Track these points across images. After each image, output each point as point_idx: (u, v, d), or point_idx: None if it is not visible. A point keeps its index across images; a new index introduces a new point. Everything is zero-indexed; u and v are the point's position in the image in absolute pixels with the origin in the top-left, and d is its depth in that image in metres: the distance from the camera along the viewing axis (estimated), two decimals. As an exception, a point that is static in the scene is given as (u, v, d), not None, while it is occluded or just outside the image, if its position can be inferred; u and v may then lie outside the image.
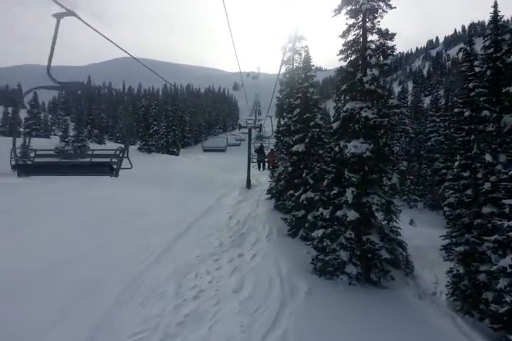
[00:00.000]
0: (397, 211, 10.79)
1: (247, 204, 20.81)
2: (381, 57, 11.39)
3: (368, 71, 11.31)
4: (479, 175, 8.58)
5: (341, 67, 11.95)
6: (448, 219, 18.43)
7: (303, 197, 14.57)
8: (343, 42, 11.75)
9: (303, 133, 15.24)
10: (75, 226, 12.99)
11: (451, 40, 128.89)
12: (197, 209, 17.92)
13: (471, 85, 9.12)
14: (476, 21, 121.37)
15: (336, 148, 11.28)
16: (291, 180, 16.56)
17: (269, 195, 20.59)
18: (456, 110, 9.77)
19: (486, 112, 8.66)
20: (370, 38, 11.50)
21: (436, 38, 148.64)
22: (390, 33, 11.23)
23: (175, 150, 47.56)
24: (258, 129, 28.67)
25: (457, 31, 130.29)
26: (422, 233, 16.62)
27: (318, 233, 10.83)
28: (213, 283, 8.63)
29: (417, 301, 9.22)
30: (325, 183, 11.15)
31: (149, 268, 9.28)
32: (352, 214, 10.23)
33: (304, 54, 20.09)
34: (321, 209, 11.05)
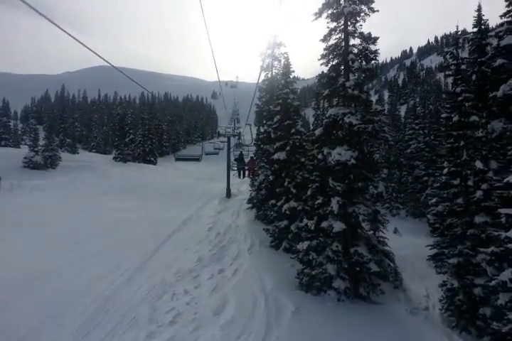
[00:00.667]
0: (384, 221, 10.33)
1: (227, 214, 20.09)
2: (364, 62, 11.04)
3: (351, 76, 10.94)
4: (470, 183, 8.22)
5: (323, 72, 11.51)
6: (432, 228, 18.28)
7: (285, 206, 13.99)
8: (325, 47, 11.34)
9: (284, 140, 14.73)
10: (44, 241, 12.02)
11: (425, 51, 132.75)
12: (175, 220, 17.11)
13: (458, 89, 8.82)
14: (448, 32, 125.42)
15: (319, 156, 10.79)
16: (273, 189, 15.99)
17: (249, 205, 19.94)
18: (443, 115, 9.43)
19: (474, 117, 8.34)
20: (352, 42, 11.13)
21: (410, 49, 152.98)
22: (372, 36, 10.90)
23: (152, 159, 46.33)
24: (237, 137, 28.11)
25: (430, 42, 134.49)
26: (407, 242, 16.28)
27: (303, 245, 10.23)
28: (192, 305, 7.87)
29: (409, 317, 8.71)
30: (309, 193, 10.61)
31: (121, 289, 8.44)
32: (338, 225, 9.71)
33: (283, 60, 19.76)
34: (305, 220, 10.49)
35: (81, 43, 5.39)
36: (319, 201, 10.46)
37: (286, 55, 15.37)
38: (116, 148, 40.06)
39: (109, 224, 15.04)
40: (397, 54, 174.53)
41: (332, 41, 11.24)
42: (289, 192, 14.23)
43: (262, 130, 20.21)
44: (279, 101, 14.98)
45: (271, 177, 15.20)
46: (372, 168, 10.46)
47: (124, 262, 10.34)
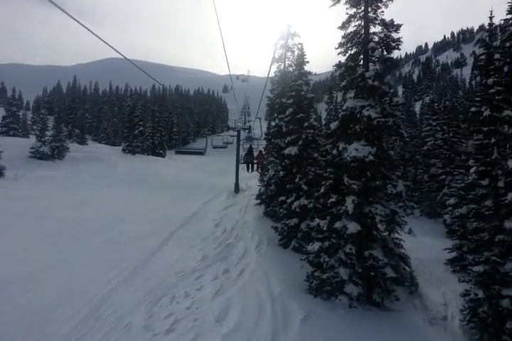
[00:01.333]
0: (402, 222, 9.60)
1: (234, 209, 19.51)
2: (385, 51, 10.25)
3: (371, 66, 10.16)
4: (500, 184, 7.46)
5: (340, 61, 10.73)
6: (449, 229, 17.43)
7: (295, 204, 13.34)
8: (343, 34, 10.58)
9: (296, 134, 14.02)
10: (41, 236, 11.52)
11: (441, 46, 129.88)
12: (180, 215, 16.57)
13: (490, 81, 8.02)
14: (465, 28, 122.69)
15: (334, 151, 10.08)
16: (283, 185, 15.32)
17: (258, 201, 19.31)
18: (473, 109, 8.63)
19: (508, 112, 7.54)
20: (372, 29, 10.35)
21: (426, 44, 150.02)
22: (395, 23, 10.10)
23: (161, 151, 45.94)
24: (247, 131, 27.43)
25: (446, 37, 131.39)
26: (422, 244, 15.44)
27: (314, 247, 9.58)
28: (192, 310, 7.29)
29: (427, 327, 8.03)
30: (322, 190, 9.92)
31: (117, 291, 7.90)
32: (353, 227, 9.02)
33: (296, 51, 18.97)
34: (317, 220, 9.81)
35: (95, 35, 5.38)
36: (333, 199, 9.77)
37: (300, 46, 14.58)
38: (125, 139, 39.69)
39: (113, 217, 14.54)
40: (411, 49, 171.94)
41: (351, 28, 10.47)
42: (299, 189, 13.55)
43: (273, 123, 19.49)
44: (292, 93, 14.24)
45: (281, 173, 14.52)
46: (391, 166, 9.72)
47: (124, 260, 9.80)
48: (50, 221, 13.13)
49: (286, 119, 14.71)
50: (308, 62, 14.10)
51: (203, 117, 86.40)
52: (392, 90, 10.53)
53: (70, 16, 5.13)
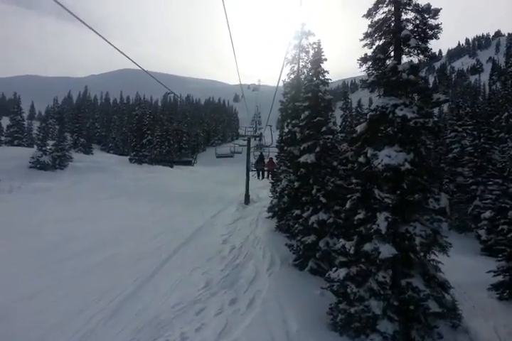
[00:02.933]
0: (446, 244, 7.93)
1: (244, 223, 17.97)
2: (420, 42, 8.73)
3: (404, 58, 8.65)
4: None
5: (365, 54, 9.22)
6: (485, 246, 15.60)
7: (313, 218, 11.74)
8: (369, 23, 9.09)
9: (312, 140, 12.48)
10: (25, 257, 10.11)
11: (455, 53, 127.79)
12: (185, 230, 15.10)
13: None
14: (480, 34, 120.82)
15: (361, 159, 8.49)
16: (297, 197, 13.77)
17: (270, 214, 17.75)
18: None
19: None
20: (404, 16, 8.85)
21: (439, 51, 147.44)
22: (432, 8, 8.59)
23: (169, 161, 44.69)
24: (258, 138, 26.13)
25: (461, 44, 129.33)
26: (456, 263, 13.54)
27: (339, 274, 7.95)
28: (189, 360, 5.72)
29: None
30: (348, 205, 8.31)
31: (98, 331, 6.36)
32: (387, 250, 7.40)
33: (311, 51, 17.56)
34: (341, 241, 8.18)
35: (111, 45, 5.54)
36: (360, 216, 8.16)
37: (317, 43, 13.11)
38: (133, 149, 38.57)
39: (109, 234, 13.12)
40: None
41: (379, 16, 8.96)
42: (317, 202, 11.96)
43: (285, 130, 18.03)
44: (308, 94, 12.75)
45: (296, 184, 12.95)
46: (431, 175, 8.09)
47: (113, 288, 8.29)
48: (38, 238, 11.75)
49: (301, 124, 13.20)
50: (326, 59, 12.65)
51: (213, 126, 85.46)
52: (430, 85, 8.99)
53: (89, 27, 5.15)
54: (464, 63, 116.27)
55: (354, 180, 8.46)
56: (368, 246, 7.71)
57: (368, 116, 8.54)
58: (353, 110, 33.06)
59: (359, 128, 8.63)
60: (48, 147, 26.48)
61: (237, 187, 28.57)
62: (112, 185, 23.46)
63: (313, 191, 12.06)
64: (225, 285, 9.31)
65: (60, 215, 14.91)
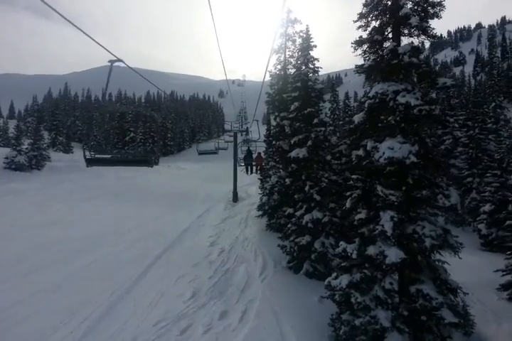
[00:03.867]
0: (457, 245, 7.16)
1: (233, 223, 17.09)
2: (421, 20, 7.90)
3: (404, 39, 7.83)
4: None
5: (361, 37, 8.35)
6: (485, 241, 15.01)
7: (306, 217, 10.91)
8: (364, 2, 8.23)
9: (303, 133, 11.62)
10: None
11: (437, 45, 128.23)
12: (170, 232, 14.16)
13: None
14: (461, 26, 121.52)
15: (360, 152, 7.65)
16: (289, 194, 12.95)
17: (260, 212, 16.87)
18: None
19: None
20: (403, -7, 8.01)
21: (422, 43, 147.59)
22: (434, -17, 7.77)
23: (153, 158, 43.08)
24: (245, 133, 25.21)
25: (443, 36, 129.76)
26: (458, 260, 12.93)
27: (341, 281, 7.11)
28: None
29: None
30: (348, 204, 7.46)
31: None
32: (394, 254, 6.59)
33: (298, 40, 16.65)
34: (342, 244, 7.33)
35: (95, 42, 5.35)
36: (362, 215, 7.33)
37: (305, 29, 12.16)
38: (115, 147, 37.18)
39: (86, 240, 12.08)
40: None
41: (374, -7, 8.15)
42: (311, 199, 11.12)
43: (273, 123, 17.13)
44: (297, 84, 11.85)
45: (287, 181, 12.09)
46: (439, 169, 7.28)
47: (86, 304, 7.32)
48: (2, 247, 10.64)
49: (290, 116, 12.32)
50: (315, 46, 11.74)
51: (198, 122, 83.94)
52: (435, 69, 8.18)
53: (70, 22, 4.94)
54: (447, 55, 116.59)
55: (353, 176, 7.59)
56: (372, 250, 6.89)
57: (366, 105, 7.68)
58: (341, 103, 32.28)
59: (356, 119, 7.78)
60: (24, 146, 25.09)
61: (225, 184, 27.63)
62: (92, 185, 22.25)
63: (306, 188, 11.21)
64: (214, 295, 8.42)
65: (32, 220, 13.77)
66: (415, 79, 7.56)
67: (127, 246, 11.90)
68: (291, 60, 16.61)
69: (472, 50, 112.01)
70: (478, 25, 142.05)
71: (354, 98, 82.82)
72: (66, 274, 8.88)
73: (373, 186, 7.29)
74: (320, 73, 12.00)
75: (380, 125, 7.59)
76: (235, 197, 22.70)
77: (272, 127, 18.33)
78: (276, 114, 16.74)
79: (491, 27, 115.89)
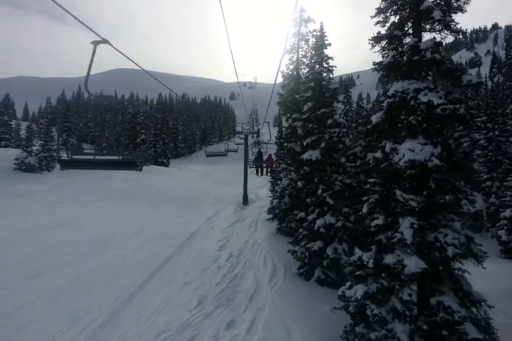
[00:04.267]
0: (481, 254, 6.67)
1: (243, 226, 16.71)
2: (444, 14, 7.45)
3: (425, 35, 7.41)
4: None
5: (379, 32, 7.92)
6: (505, 248, 14.37)
7: (319, 222, 10.48)
8: (383, -4, 7.83)
9: (317, 135, 11.21)
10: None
11: (452, 47, 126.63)
12: (178, 235, 13.85)
13: None
14: (477, 27, 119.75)
15: (378, 154, 7.22)
16: (301, 198, 12.53)
17: (270, 216, 16.47)
18: None
19: None
20: (423, -14, 7.57)
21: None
22: (458, -25, 7.32)
23: (164, 160, 43.30)
24: (256, 135, 24.94)
25: (457, 37, 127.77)
26: (477, 268, 12.31)
27: (356, 292, 6.66)
28: None
29: None
30: (364, 209, 7.02)
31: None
32: (414, 263, 6.13)
33: (312, 39, 16.26)
34: (358, 252, 6.89)
35: (109, 43, 5.44)
36: (379, 221, 6.89)
37: (319, 27, 11.74)
38: (126, 148, 37.16)
39: (93, 242, 11.82)
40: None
41: (393, -14, 7.74)
42: (323, 203, 10.69)
43: (285, 124, 16.74)
44: (310, 83, 11.46)
45: (299, 183, 11.67)
46: (463, 173, 6.80)
47: (88, 311, 7.01)
48: (8, 250, 10.43)
49: (303, 117, 11.92)
50: (330, 44, 11.33)
51: (209, 124, 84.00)
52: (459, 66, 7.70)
53: (85, 25, 5.03)
54: (462, 56, 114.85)
55: (370, 180, 7.15)
56: (390, 259, 6.44)
57: (384, 104, 7.24)
58: (354, 105, 31.76)
59: (374, 119, 7.35)
60: (35, 148, 25.12)
61: (235, 186, 27.30)
62: (101, 186, 22.10)
63: (319, 191, 10.79)
64: (220, 303, 8.04)
65: (40, 222, 13.59)
66: (436, 77, 7.12)
67: (135, 248, 11.61)
68: (304, 59, 16.23)
69: (488, 51, 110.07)
70: (495, 26, 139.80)
71: (367, 100, 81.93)
72: (71, 278, 8.59)
73: (392, 190, 6.85)
74: (333, 74, 11.56)
75: (399, 125, 7.16)
76: (245, 200, 22.34)
77: (283, 129, 17.96)
78: (288, 115, 16.35)
79: (508, 27, 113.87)
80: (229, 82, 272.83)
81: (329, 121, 10.92)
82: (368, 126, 7.55)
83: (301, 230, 11.10)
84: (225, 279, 9.55)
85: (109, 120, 58.98)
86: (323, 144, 10.83)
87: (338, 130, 10.81)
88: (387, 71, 7.78)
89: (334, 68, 11.30)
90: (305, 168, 11.36)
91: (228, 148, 25.21)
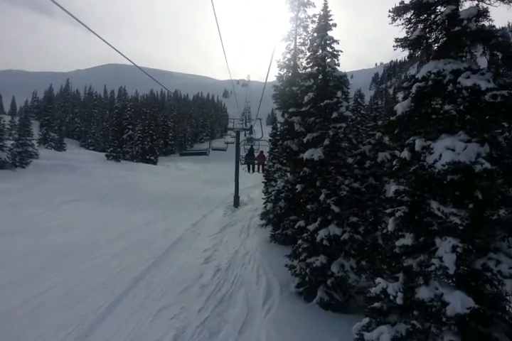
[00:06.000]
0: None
1: (233, 232, 15.10)
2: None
3: (465, 3, 5.83)
4: None
5: (402, 2, 6.32)
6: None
7: (322, 233, 8.88)
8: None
9: (319, 131, 9.58)
10: None
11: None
12: (159, 243, 12.23)
13: None
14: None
15: (404, 153, 5.63)
16: (300, 204, 10.95)
17: (264, 221, 14.84)
18: None
19: None
20: None
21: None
22: None
23: (152, 158, 41.34)
24: (249, 132, 23.49)
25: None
26: None
27: (380, 337, 5.06)
28: None
29: None
30: (391, 227, 5.42)
31: None
32: (459, 301, 4.58)
33: (312, 25, 14.64)
34: (381, 282, 5.27)
35: (103, 40, 5.48)
36: (407, 242, 5.29)
37: (323, 6, 10.09)
38: (110, 144, 35.21)
39: (58, 252, 10.15)
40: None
41: None
42: (327, 211, 9.07)
43: (280, 120, 15.12)
44: (312, 70, 9.82)
45: (298, 187, 10.02)
46: (518, 179, 5.23)
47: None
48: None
49: (303, 109, 10.26)
50: (335, 25, 9.70)
51: (201, 121, 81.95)
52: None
53: (76, 19, 5.00)
54: None
55: (398, 187, 5.53)
56: (424, 293, 4.87)
57: (413, 89, 5.65)
58: (352, 102, 30.38)
59: (400, 108, 5.74)
60: (11, 142, 23.23)
61: (225, 186, 25.71)
62: (79, 185, 20.29)
63: (321, 196, 9.16)
64: (202, 338, 6.39)
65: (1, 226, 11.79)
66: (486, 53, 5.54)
67: (104, 261, 9.91)
68: (303, 47, 14.61)
69: None
70: None
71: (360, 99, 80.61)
72: (17, 302, 6.89)
73: (425, 201, 5.27)
74: (338, 60, 9.93)
75: (433, 117, 5.57)
76: (236, 202, 20.73)
77: (278, 125, 16.33)
78: (284, 109, 14.72)
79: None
80: (222, 79, 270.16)
81: (334, 115, 9.29)
82: (391, 118, 5.94)
83: (300, 242, 9.48)
84: (209, 303, 7.91)
85: (96, 115, 56.84)
86: (326, 141, 9.20)
87: (344, 125, 9.19)
88: (413, 48, 6.20)
89: (340, 53, 9.65)
90: (305, 169, 9.72)
91: (213, 147, 24.15)
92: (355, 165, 9.95)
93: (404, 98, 6.02)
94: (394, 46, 6.35)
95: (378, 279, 5.33)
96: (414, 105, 5.62)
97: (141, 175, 28.14)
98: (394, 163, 5.81)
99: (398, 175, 5.77)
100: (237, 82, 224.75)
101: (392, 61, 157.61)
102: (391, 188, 5.60)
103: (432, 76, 5.44)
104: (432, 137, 5.47)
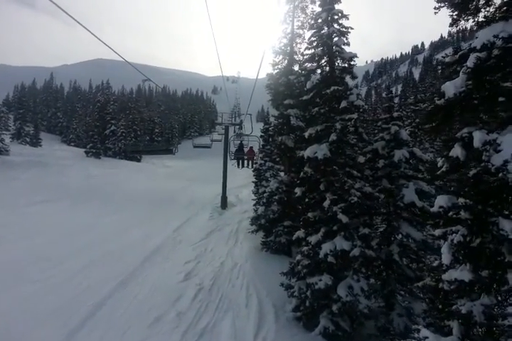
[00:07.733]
0: None
1: (219, 238, 13.47)
2: None
3: None
4: None
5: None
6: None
7: (326, 247, 7.30)
8: None
9: (324, 124, 7.95)
10: None
11: (439, 45, 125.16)
12: (132, 254, 10.55)
13: None
14: (464, 27, 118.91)
15: (456, 151, 4.03)
16: (295, 208, 9.36)
17: (254, 227, 13.19)
18: None
19: None
20: None
21: (422, 44, 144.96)
22: None
23: (136, 154, 39.26)
24: (238, 127, 21.93)
25: (443, 36, 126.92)
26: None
27: None
28: None
29: None
30: (446, 257, 3.78)
31: None
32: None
33: (311, 6, 13.03)
34: (429, 337, 3.65)
35: (93, 34, 5.47)
36: (466, 277, 3.69)
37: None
38: (90, 140, 33.09)
39: (6, 269, 8.40)
40: (407, 49, 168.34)
41: None
42: (333, 221, 7.47)
43: (274, 113, 13.48)
44: (317, 50, 8.17)
45: (297, 191, 8.38)
46: None
47: None
48: None
49: (304, 98, 8.59)
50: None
51: (189, 117, 79.76)
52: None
53: (64, 11, 4.98)
54: (448, 55, 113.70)
55: (444, 199, 3.93)
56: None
57: (468, 63, 4.05)
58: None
59: (452, 88, 4.14)
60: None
61: (213, 184, 23.91)
62: (52, 184, 18.37)
63: (326, 202, 7.56)
64: None
65: None
66: None
67: (63, 280, 8.18)
68: (301, 31, 12.99)
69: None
70: (481, 26, 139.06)
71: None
72: None
73: (490, 220, 3.68)
74: (348, 38, 8.29)
75: (499, 100, 3.99)
76: (224, 203, 19.03)
77: (272, 119, 14.68)
78: (279, 101, 13.08)
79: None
80: (211, 75, 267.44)
81: (343, 104, 7.68)
82: (437, 102, 4.33)
83: (299, 257, 7.87)
84: (187, 338, 6.24)
85: (79, 110, 54.39)
86: (333, 137, 7.58)
87: (355, 116, 7.57)
88: (461, 8, 4.62)
89: (350, 30, 8.01)
90: (306, 169, 8.09)
91: (195, 143, 22.97)
92: (366, 165, 8.36)
93: (450, 76, 4.45)
94: (435, 8, 4.76)
95: (423, 331, 3.72)
96: (471, 83, 4.03)
97: (121, 173, 26.25)
98: (439, 163, 4.22)
99: (446, 181, 4.19)
100: (227, 79, 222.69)
101: (382, 58, 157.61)
102: (438, 200, 4.00)
103: (500, 42, 3.86)
104: (495, 128, 3.90)
